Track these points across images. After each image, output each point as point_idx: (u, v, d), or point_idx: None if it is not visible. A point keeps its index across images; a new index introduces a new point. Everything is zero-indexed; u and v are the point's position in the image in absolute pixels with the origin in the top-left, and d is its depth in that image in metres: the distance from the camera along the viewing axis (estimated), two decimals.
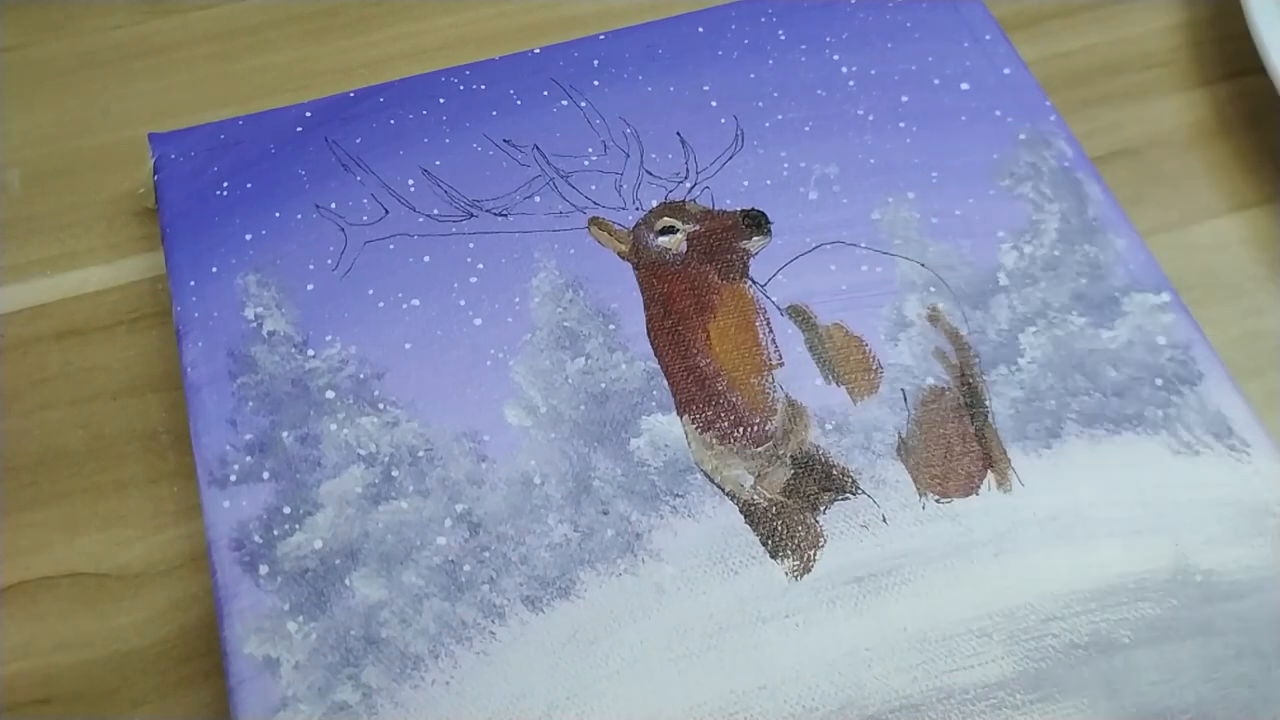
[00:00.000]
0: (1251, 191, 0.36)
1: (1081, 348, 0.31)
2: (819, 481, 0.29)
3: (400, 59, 0.38)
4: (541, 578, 0.27)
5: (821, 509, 0.28)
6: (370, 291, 0.31)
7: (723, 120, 0.34)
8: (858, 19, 0.36)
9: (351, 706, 0.26)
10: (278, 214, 0.32)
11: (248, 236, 0.32)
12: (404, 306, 0.31)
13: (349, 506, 0.28)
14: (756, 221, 0.32)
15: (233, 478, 0.29)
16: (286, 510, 0.28)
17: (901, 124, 0.34)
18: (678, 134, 0.34)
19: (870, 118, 0.35)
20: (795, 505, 0.28)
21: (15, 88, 0.38)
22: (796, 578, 0.27)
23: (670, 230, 0.32)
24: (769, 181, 0.33)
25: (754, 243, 0.32)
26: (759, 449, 0.29)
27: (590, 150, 0.34)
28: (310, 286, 0.31)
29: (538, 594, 0.27)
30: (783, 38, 0.36)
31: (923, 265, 0.32)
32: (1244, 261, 0.35)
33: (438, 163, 0.33)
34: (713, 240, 0.32)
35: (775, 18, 0.36)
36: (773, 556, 0.28)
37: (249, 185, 0.33)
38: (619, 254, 0.32)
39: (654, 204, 0.33)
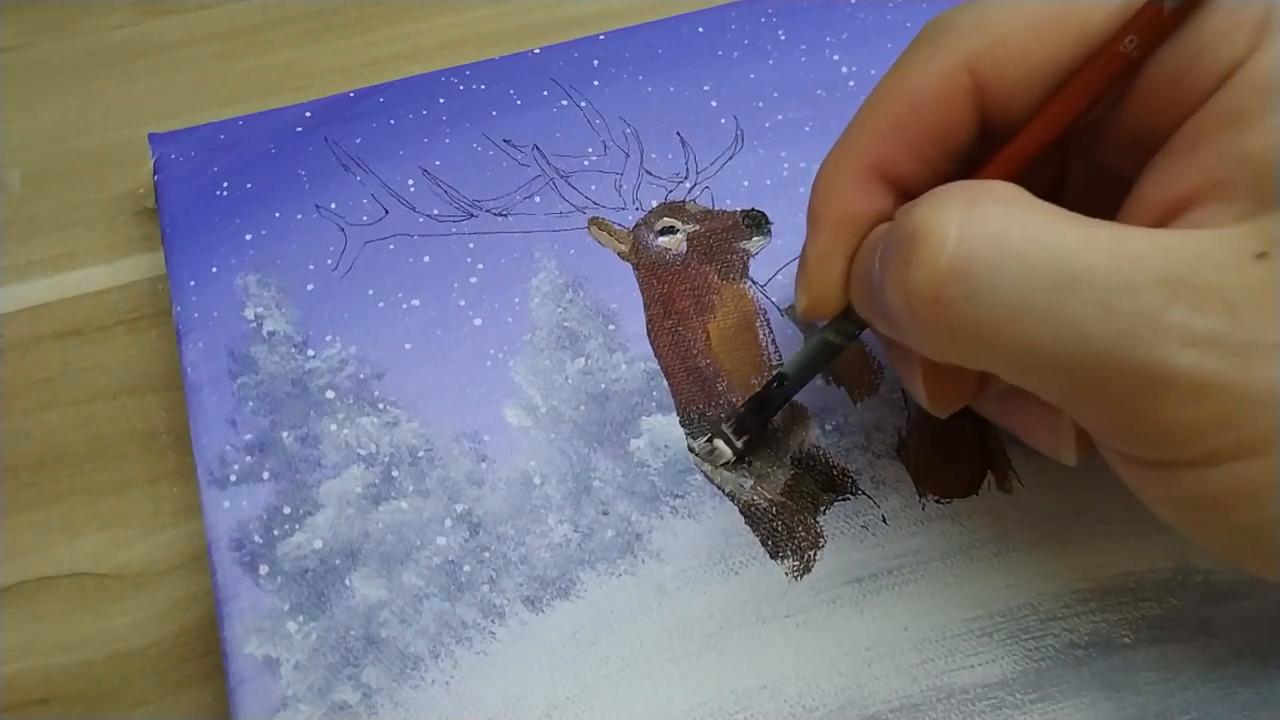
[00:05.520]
0: None
1: None
2: (819, 482, 0.29)
3: (400, 59, 0.38)
4: (541, 578, 0.27)
5: (821, 509, 0.28)
6: (370, 291, 0.31)
7: (723, 120, 0.34)
8: (858, 19, 0.36)
9: (351, 706, 0.26)
10: (278, 214, 0.32)
11: (248, 236, 0.32)
12: (404, 306, 0.31)
13: (349, 506, 0.28)
14: (756, 221, 0.32)
15: (233, 478, 0.29)
16: (286, 510, 0.28)
17: None
18: (678, 134, 0.34)
19: None
20: (795, 505, 0.28)
21: (15, 88, 0.38)
22: (797, 578, 0.27)
23: (670, 230, 0.32)
24: (769, 181, 0.33)
25: (754, 243, 0.32)
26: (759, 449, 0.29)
27: (590, 150, 0.34)
28: (310, 286, 0.31)
29: (538, 594, 0.27)
30: (783, 38, 0.36)
31: None
32: None
33: (438, 163, 0.33)
34: (713, 240, 0.32)
35: (775, 18, 0.36)
36: (773, 557, 0.28)
37: (249, 185, 0.33)
38: (619, 254, 0.32)
39: (654, 204, 0.33)
